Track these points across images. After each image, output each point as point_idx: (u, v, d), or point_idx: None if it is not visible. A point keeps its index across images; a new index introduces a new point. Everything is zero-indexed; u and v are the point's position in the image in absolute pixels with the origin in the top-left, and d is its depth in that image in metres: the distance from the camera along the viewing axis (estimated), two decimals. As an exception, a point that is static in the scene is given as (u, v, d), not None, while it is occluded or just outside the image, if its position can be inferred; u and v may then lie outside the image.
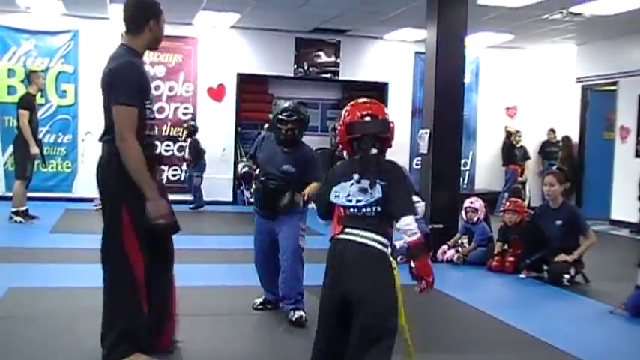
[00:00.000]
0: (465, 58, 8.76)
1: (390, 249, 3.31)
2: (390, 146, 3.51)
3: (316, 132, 14.61)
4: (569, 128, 14.06)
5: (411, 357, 3.40)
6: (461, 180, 10.90)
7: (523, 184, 13.85)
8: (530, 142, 14.31)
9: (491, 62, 14.51)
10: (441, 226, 8.26)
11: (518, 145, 13.95)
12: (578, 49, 13.90)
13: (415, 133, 12.67)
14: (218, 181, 13.10)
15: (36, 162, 9.91)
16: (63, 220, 10.20)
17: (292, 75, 13.75)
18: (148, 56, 12.75)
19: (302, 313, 5.16)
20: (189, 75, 13.12)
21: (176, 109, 13.07)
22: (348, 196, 3.32)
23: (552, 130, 14.36)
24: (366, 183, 3.29)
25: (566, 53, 14.29)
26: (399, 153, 13.95)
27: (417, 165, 13.19)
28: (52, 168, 12.07)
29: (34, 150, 9.55)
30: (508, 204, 8.36)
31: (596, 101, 13.67)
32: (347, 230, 3.31)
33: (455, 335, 5.33)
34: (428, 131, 8.54)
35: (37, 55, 12.33)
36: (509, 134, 14.11)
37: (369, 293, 3.22)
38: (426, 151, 8.62)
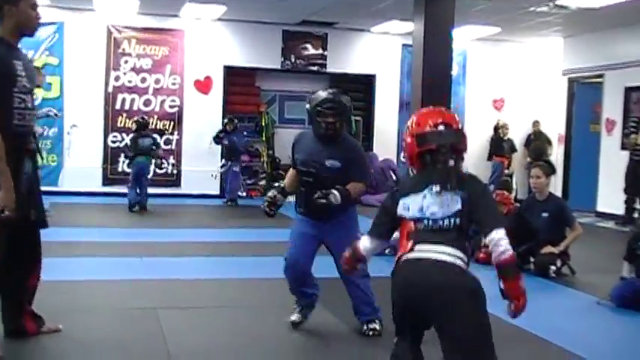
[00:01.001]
0: (453, 51, 8.75)
1: (468, 266, 3.03)
2: (463, 159, 3.15)
3: (304, 124, 14.57)
4: (556, 121, 14.11)
5: None
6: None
7: (510, 176, 13.90)
8: (517, 135, 14.35)
9: (479, 55, 14.52)
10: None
11: (506, 138, 13.98)
12: (564, 42, 13.93)
13: (402, 125, 12.65)
14: (205, 174, 13.06)
15: None
16: (49, 213, 10.13)
17: (279, 67, 13.72)
18: (134, 49, 12.75)
19: (376, 325, 4.76)
20: (176, 67, 13.06)
21: (162, 102, 13.01)
22: (422, 209, 2.98)
23: (537, 122, 14.40)
24: (445, 194, 2.96)
25: (552, 46, 14.33)
26: (387, 146, 14.07)
27: (404, 158, 13.20)
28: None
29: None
30: (495, 196, 8.37)
31: (583, 94, 13.72)
32: (418, 247, 2.95)
33: (442, 327, 5.34)
34: (415, 124, 8.54)
35: (21, 47, 12.18)
36: (497, 127, 14.13)
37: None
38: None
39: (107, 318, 5.13)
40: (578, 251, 7.45)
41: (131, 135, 11.69)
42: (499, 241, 2.92)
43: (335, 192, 4.50)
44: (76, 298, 5.62)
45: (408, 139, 3.11)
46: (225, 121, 12.50)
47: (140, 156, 11.02)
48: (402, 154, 13.72)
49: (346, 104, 4.77)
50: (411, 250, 2.95)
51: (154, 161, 11.50)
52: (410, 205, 3.01)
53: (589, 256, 7.95)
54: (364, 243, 3.26)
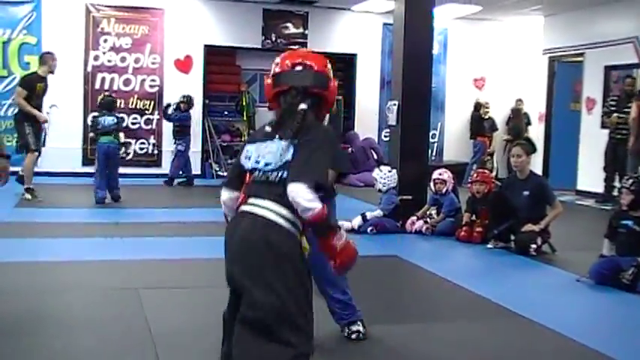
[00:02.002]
0: (434, 30, 8.75)
1: (298, 228, 2.64)
2: (328, 111, 2.92)
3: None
4: (537, 99, 14.16)
5: None
6: (429, 151, 10.93)
7: (491, 155, 13.96)
8: (498, 114, 14.39)
9: (460, 34, 14.52)
10: (409, 197, 8.30)
11: (487, 117, 14.01)
12: (545, 21, 13.96)
13: (384, 104, 12.68)
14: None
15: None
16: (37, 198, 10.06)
17: (260, 47, 13.65)
18: (113, 28, 12.63)
19: (359, 327, 4.31)
20: (156, 47, 12.95)
21: (142, 81, 12.92)
22: (258, 157, 2.71)
23: (520, 100, 14.45)
24: (281, 142, 2.67)
25: (533, 25, 14.35)
26: (368, 125, 14.07)
27: (385, 137, 13.23)
28: (17, 142, 11.85)
29: (43, 118, 9.75)
30: (476, 175, 8.41)
31: (563, 73, 13.77)
32: (250, 201, 2.68)
33: (423, 306, 5.37)
34: (396, 103, 8.54)
35: (-2, 25, 12.07)
36: (477, 106, 14.16)
37: (259, 285, 2.57)
38: (394, 123, 8.63)
39: (88, 298, 5.12)
40: (558, 229, 7.50)
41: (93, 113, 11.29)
42: (295, 198, 2.50)
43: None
44: (56, 278, 5.59)
45: (268, 78, 2.86)
46: (181, 99, 12.21)
47: (103, 136, 9.77)
48: (382, 133, 13.74)
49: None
50: (242, 203, 2.71)
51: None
52: (252, 154, 2.74)
53: (569, 233, 8.01)
54: (222, 194, 2.88)
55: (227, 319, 2.76)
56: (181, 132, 12.20)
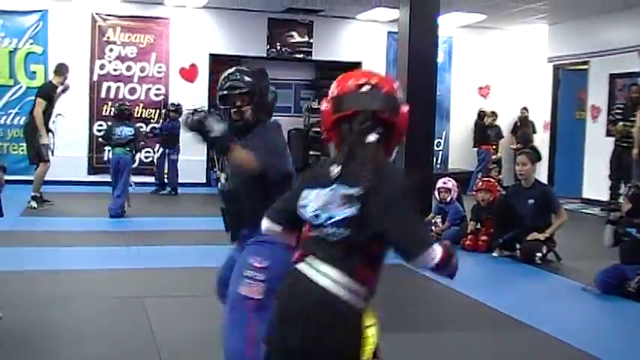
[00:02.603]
0: (438, 38, 8.76)
1: (362, 299, 2.20)
2: (399, 142, 2.37)
3: (290, 112, 14.58)
4: (542, 108, 14.15)
5: None
6: (434, 160, 10.93)
7: (497, 162, 13.93)
8: (503, 122, 14.37)
9: (464, 42, 14.53)
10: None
11: (494, 125, 13.93)
12: (549, 29, 13.96)
13: (389, 113, 12.67)
14: (191, 162, 13.01)
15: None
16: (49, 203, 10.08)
17: (265, 55, 13.66)
18: (119, 37, 12.68)
19: None
20: (161, 55, 12.99)
21: (148, 90, 12.95)
22: (319, 209, 2.19)
23: (525, 109, 14.44)
24: (345, 188, 2.15)
25: (538, 33, 14.35)
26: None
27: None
28: (22, 150, 11.89)
29: (45, 140, 9.74)
30: (481, 183, 8.40)
31: (568, 81, 13.76)
32: (307, 260, 2.20)
33: (429, 314, 5.37)
34: (401, 111, 8.54)
35: (4, 35, 12.13)
36: (481, 115, 14.13)
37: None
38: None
39: (93, 307, 5.13)
40: (563, 237, 7.49)
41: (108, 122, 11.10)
42: (425, 267, 2.12)
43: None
44: (61, 287, 5.61)
45: (325, 104, 2.31)
46: (171, 107, 11.99)
47: (117, 147, 9.57)
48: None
49: (255, 82, 3.37)
50: (301, 260, 2.22)
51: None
52: (309, 203, 2.23)
53: (575, 242, 8.00)
54: (264, 223, 2.43)
55: None
56: (170, 141, 12.07)
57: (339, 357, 2.12)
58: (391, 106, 2.29)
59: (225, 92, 3.34)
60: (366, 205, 2.10)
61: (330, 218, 2.15)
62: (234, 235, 3.40)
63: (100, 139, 11.58)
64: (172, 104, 12.05)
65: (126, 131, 9.51)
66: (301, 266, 2.19)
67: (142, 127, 11.80)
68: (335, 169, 2.19)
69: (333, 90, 2.30)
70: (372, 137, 2.19)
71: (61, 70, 9.99)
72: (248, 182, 3.19)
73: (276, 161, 3.19)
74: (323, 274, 2.14)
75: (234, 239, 3.40)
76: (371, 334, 2.19)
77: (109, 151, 12.47)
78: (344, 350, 2.12)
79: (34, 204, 9.51)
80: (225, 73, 3.44)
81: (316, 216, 2.19)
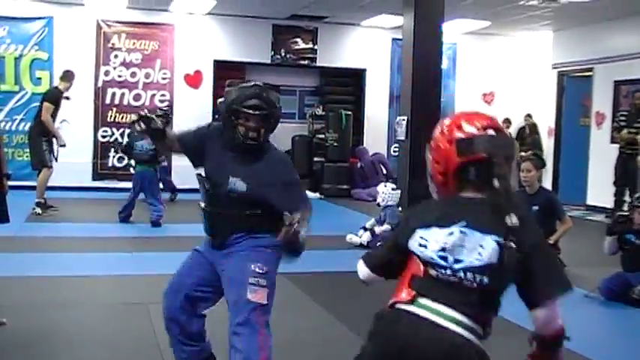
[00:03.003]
0: (442, 45, 8.77)
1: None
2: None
3: (294, 119, 14.59)
4: (546, 114, 14.15)
5: None
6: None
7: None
8: (507, 129, 14.37)
9: (469, 49, 14.54)
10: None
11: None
12: (554, 36, 13.96)
13: (393, 120, 12.69)
14: (192, 168, 13.03)
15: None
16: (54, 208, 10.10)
17: (269, 62, 13.70)
18: (124, 43, 12.72)
19: None
20: (166, 62, 13.02)
21: (152, 96, 12.98)
22: (443, 250, 2.12)
23: (529, 116, 14.43)
24: (479, 236, 2.10)
25: (542, 40, 14.36)
26: (377, 139, 14.08)
27: (394, 152, 13.22)
28: (27, 157, 11.92)
29: (62, 141, 9.85)
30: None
31: (572, 87, 13.75)
32: (424, 302, 2.12)
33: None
34: (405, 118, 8.55)
35: (10, 41, 12.17)
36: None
37: None
38: (403, 138, 8.64)
39: (97, 313, 5.13)
40: (568, 244, 7.47)
41: (128, 132, 10.83)
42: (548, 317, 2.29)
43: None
44: (65, 293, 5.62)
45: (443, 145, 2.23)
46: (160, 113, 10.38)
47: (139, 164, 9.28)
48: (392, 148, 13.73)
49: (277, 104, 3.43)
50: (412, 302, 2.14)
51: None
52: (429, 243, 2.15)
53: (579, 249, 7.98)
54: (361, 269, 2.43)
55: None
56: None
57: None
58: (514, 150, 2.28)
59: (248, 111, 3.33)
60: (508, 257, 2.05)
61: (459, 262, 2.09)
62: (221, 240, 3.41)
63: (120, 152, 11.56)
64: (160, 109, 11.22)
65: (146, 146, 8.97)
66: (416, 309, 2.11)
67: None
68: (463, 219, 2.13)
69: (458, 130, 2.22)
70: (496, 183, 2.13)
71: (67, 76, 10.05)
72: (265, 196, 3.30)
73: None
74: (450, 320, 2.07)
75: (219, 244, 3.42)
76: None
77: (113, 157, 12.62)
78: None
79: (38, 210, 9.54)
80: (250, 90, 3.39)
81: (443, 258, 2.12)
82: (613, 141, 11.77)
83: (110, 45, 12.70)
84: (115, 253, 7.31)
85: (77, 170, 12.25)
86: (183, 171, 12.77)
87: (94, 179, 12.72)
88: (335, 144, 13.47)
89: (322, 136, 13.99)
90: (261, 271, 3.23)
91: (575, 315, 5.60)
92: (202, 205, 3.53)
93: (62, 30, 12.36)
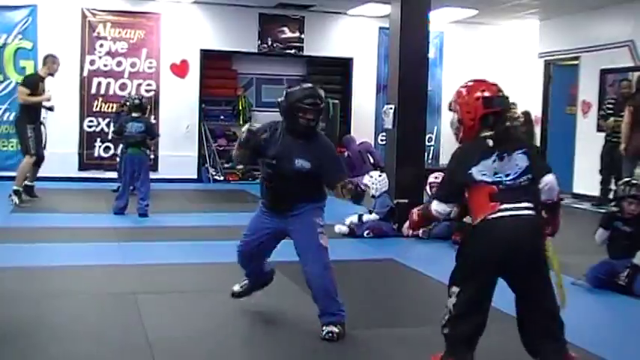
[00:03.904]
0: (429, 34, 8.76)
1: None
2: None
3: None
4: (533, 103, 14.17)
5: (563, 303, 3.63)
6: (426, 155, 10.93)
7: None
8: (494, 117, 14.39)
9: (456, 37, 14.54)
10: (406, 201, 8.28)
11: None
12: (541, 25, 13.98)
13: (380, 108, 12.67)
14: (183, 158, 13.00)
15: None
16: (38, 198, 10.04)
17: (256, 51, 13.64)
18: (109, 32, 12.63)
19: (334, 329, 4.36)
20: (152, 51, 12.94)
21: (138, 85, 12.89)
22: (496, 173, 3.41)
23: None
24: (509, 156, 3.44)
25: (529, 28, 14.37)
26: (364, 128, 14.06)
27: (382, 140, 13.23)
28: (12, 147, 11.85)
29: (50, 103, 9.84)
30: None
31: (559, 76, 13.78)
32: (504, 207, 3.37)
33: (419, 309, 5.37)
34: (393, 106, 8.54)
35: (-6, 28, 12.07)
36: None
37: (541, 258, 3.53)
38: (391, 127, 8.63)
39: (84, 304, 5.11)
40: (554, 232, 7.51)
41: (117, 116, 10.47)
42: (551, 183, 3.56)
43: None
44: (52, 283, 5.59)
45: (472, 101, 3.54)
46: (136, 102, 9.49)
47: (131, 147, 9.05)
48: (379, 137, 13.72)
49: (325, 100, 4.66)
50: (499, 210, 3.37)
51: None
52: (486, 171, 3.41)
53: (565, 237, 7.95)
54: (437, 207, 3.68)
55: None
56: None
57: (543, 247, 3.50)
58: (509, 105, 3.78)
59: (308, 107, 4.45)
60: (532, 158, 3.49)
61: (508, 175, 3.41)
62: (284, 209, 4.52)
63: (112, 135, 11.44)
64: (137, 97, 9.81)
65: (136, 127, 8.97)
66: (502, 213, 3.38)
67: (154, 121, 11.59)
68: (490, 143, 3.47)
69: (478, 92, 3.59)
70: (507, 123, 3.66)
71: (46, 60, 9.89)
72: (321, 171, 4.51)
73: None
74: (525, 208, 3.39)
75: (282, 212, 4.53)
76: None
77: (99, 147, 12.56)
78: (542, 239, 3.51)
79: (16, 200, 9.38)
80: (308, 91, 4.53)
81: (499, 176, 3.41)
82: (599, 129, 11.82)
83: (95, 34, 12.60)
84: (102, 243, 7.28)
85: (63, 160, 12.17)
86: (167, 161, 12.81)
87: (80, 169, 12.65)
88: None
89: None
90: (322, 224, 4.53)
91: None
92: (266, 182, 4.61)
93: (46, 19, 12.25)
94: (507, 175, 3.38)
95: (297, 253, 4.54)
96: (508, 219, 3.36)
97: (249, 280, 4.96)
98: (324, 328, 4.36)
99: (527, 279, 3.49)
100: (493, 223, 3.38)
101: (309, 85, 4.70)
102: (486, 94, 3.54)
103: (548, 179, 3.49)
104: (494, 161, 3.41)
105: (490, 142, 3.45)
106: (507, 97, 3.63)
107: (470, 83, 3.71)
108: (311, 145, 4.50)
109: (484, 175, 3.40)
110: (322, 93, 4.59)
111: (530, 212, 3.38)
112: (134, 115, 9.13)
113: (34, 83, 9.68)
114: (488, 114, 3.50)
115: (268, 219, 4.62)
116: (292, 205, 4.49)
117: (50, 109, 10.00)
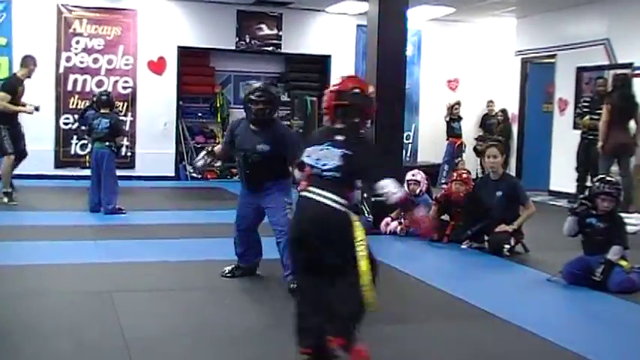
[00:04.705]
0: (407, 31, 8.77)
1: (348, 209, 3.67)
2: (367, 123, 3.97)
3: (259, 105, 14.51)
4: (510, 101, 14.26)
5: (369, 305, 3.65)
6: (403, 152, 10.96)
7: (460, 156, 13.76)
8: (472, 115, 14.46)
9: (433, 35, 14.59)
10: (383, 198, 8.29)
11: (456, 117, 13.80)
12: (518, 23, 14.06)
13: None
14: (160, 155, 12.94)
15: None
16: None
17: (234, 48, 13.61)
18: (86, 29, 12.53)
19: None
20: (129, 48, 12.86)
21: (115, 82, 12.81)
22: (318, 159, 3.68)
23: (491, 102, 14.51)
24: (335, 149, 3.65)
25: (506, 26, 14.45)
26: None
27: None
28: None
29: (30, 108, 9.73)
30: (455, 175, 8.34)
31: (536, 74, 13.88)
32: (311, 189, 3.66)
33: (397, 306, 5.37)
34: (370, 104, 8.54)
35: (-32, 26, 11.92)
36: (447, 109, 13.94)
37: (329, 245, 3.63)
38: (368, 125, 8.63)
39: (60, 302, 5.06)
40: (531, 229, 7.56)
41: (84, 112, 10.29)
42: (386, 188, 3.65)
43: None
44: (27, 282, 5.54)
45: (328, 93, 3.84)
46: (103, 98, 9.33)
47: (97, 142, 9.02)
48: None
49: (274, 93, 5.68)
50: (305, 189, 3.71)
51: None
52: (311, 154, 3.73)
53: (542, 234, 8.07)
54: (296, 174, 4.10)
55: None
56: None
57: (340, 238, 3.58)
58: (370, 103, 3.92)
59: (254, 98, 5.52)
60: (350, 158, 3.64)
61: (325, 165, 3.65)
62: (256, 187, 5.56)
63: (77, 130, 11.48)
64: (104, 93, 9.64)
65: (103, 123, 8.93)
66: (306, 193, 3.69)
67: (120, 116, 11.41)
68: (334, 135, 3.72)
69: (336, 85, 3.87)
70: (356, 119, 3.81)
71: (26, 62, 9.79)
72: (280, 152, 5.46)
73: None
74: (323, 196, 3.62)
75: (255, 189, 5.58)
76: (357, 225, 3.62)
77: (76, 144, 12.48)
78: (342, 235, 3.57)
79: (5, 199, 9.35)
80: (257, 86, 5.67)
81: (317, 163, 3.68)
82: (575, 127, 11.91)
83: (71, 30, 12.50)
84: (78, 241, 7.22)
85: (39, 158, 12.03)
86: (144, 158, 12.75)
87: (56, 167, 12.55)
88: (300, 130, 13.43)
89: (287, 122, 13.95)
90: (289, 201, 5.42)
91: (539, 299, 5.70)
92: (240, 167, 5.70)
93: (21, 15, 12.13)
94: (324, 165, 3.64)
95: (272, 226, 5.57)
96: (305, 199, 3.68)
97: (240, 261, 5.85)
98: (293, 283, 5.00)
99: (319, 266, 3.63)
100: (299, 199, 3.77)
101: (261, 82, 5.65)
102: (339, 88, 3.81)
103: (383, 184, 3.63)
104: (321, 150, 3.69)
105: (325, 132, 3.84)
106: (364, 95, 3.84)
107: (339, 77, 4.00)
108: (269, 130, 5.53)
109: (308, 157, 3.73)
110: (272, 88, 5.78)
111: (328, 202, 3.59)
112: (102, 111, 9.09)
113: (13, 88, 9.57)
114: (338, 106, 3.77)
115: (247, 198, 5.70)
116: (263, 183, 5.53)
117: (37, 109, 9.87)
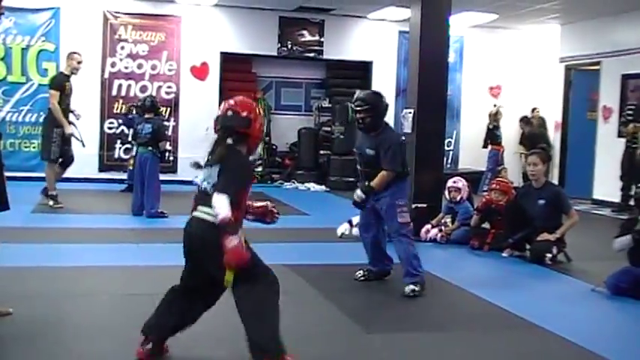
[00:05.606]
0: (449, 38, 8.74)
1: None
2: (256, 143, 4.08)
3: (300, 111, 14.59)
4: (553, 108, 14.11)
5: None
6: (444, 159, 10.91)
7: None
8: (514, 122, 14.32)
9: (476, 42, 14.51)
10: (424, 205, 8.28)
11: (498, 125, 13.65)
12: (562, 29, 13.92)
13: (399, 112, 12.66)
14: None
15: (74, 142, 9.75)
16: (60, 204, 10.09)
17: (276, 54, 13.70)
18: (130, 35, 12.72)
19: (413, 287, 5.59)
20: (173, 53, 13.02)
21: (159, 88, 12.98)
22: (204, 180, 3.86)
23: (536, 109, 14.36)
24: (212, 167, 3.82)
25: (550, 33, 14.32)
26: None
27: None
28: (34, 147, 11.96)
29: (68, 130, 9.44)
30: (494, 184, 8.30)
31: (580, 81, 13.72)
32: (198, 207, 3.87)
33: (438, 314, 5.36)
34: (412, 111, 8.53)
35: (17, 32, 12.18)
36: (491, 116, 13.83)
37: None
38: (410, 131, 8.62)
39: (103, 304, 5.15)
40: (574, 238, 7.47)
41: (125, 117, 10.54)
42: (215, 203, 3.62)
43: (358, 191, 5.84)
44: (72, 284, 5.63)
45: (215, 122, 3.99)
46: (147, 103, 9.53)
47: (140, 147, 9.21)
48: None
49: (374, 102, 5.86)
50: (194, 208, 3.92)
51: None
52: (200, 175, 3.91)
53: (585, 243, 7.97)
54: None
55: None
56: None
57: (211, 243, 3.72)
58: (244, 123, 3.89)
59: (355, 107, 6.01)
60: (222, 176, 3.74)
61: (208, 182, 3.81)
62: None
63: (131, 139, 11.50)
64: (148, 99, 9.77)
65: (146, 127, 9.08)
66: (195, 210, 3.89)
67: (164, 122, 11.29)
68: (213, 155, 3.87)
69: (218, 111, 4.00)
70: (229, 141, 3.88)
71: (68, 57, 9.76)
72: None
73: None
74: (203, 212, 3.80)
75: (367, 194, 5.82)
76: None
77: (120, 148, 12.67)
78: (214, 239, 3.67)
79: (50, 202, 9.44)
80: (355, 96, 6.06)
81: (204, 181, 3.85)
82: (620, 135, 11.75)
83: (117, 36, 12.70)
84: (121, 244, 7.33)
85: (84, 162, 12.23)
86: (187, 163, 12.85)
87: (100, 170, 12.75)
88: (341, 136, 13.46)
89: (328, 128, 13.99)
90: (403, 204, 5.74)
91: (582, 309, 5.62)
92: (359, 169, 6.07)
93: (69, 21, 12.37)
94: (209, 183, 3.79)
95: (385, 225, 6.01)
96: (193, 217, 3.90)
97: (369, 267, 6.19)
98: (406, 287, 5.66)
99: (203, 278, 4.02)
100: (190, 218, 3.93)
101: (362, 92, 6.17)
102: (220, 113, 3.96)
103: (215, 198, 3.65)
104: (207, 169, 3.87)
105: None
106: (240, 117, 3.87)
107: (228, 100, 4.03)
108: (376, 136, 5.92)
109: (197, 177, 3.93)
110: (372, 97, 6.08)
111: (206, 217, 3.76)
112: (146, 116, 9.25)
113: (60, 84, 9.66)
114: (216, 130, 3.98)
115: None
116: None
117: (77, 117, 9.94)
